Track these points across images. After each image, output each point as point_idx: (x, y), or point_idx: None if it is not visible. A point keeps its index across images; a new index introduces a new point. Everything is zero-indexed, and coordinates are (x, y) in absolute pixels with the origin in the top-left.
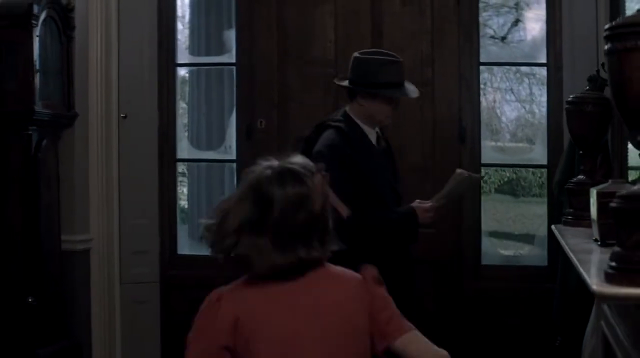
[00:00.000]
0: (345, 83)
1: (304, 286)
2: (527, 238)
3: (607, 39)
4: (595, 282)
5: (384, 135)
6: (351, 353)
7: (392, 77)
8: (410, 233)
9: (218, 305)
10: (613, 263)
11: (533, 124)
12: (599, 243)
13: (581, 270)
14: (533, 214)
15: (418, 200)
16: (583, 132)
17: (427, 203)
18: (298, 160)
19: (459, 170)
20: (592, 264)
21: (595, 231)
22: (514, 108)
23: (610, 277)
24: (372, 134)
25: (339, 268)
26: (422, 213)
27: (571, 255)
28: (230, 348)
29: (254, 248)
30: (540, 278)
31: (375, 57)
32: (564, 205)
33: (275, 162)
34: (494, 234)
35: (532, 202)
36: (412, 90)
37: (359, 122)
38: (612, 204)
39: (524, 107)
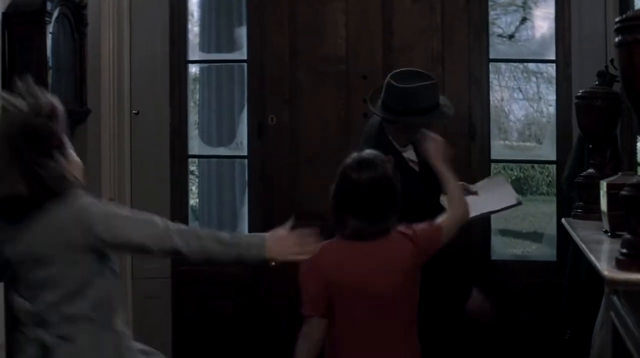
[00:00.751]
0: (379, 107)
1: (379, 246)
2: (535, 237)
3: (618, 31)
4: (606, 268)
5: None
6: (407, 292)
7: (428, 102)
8: None
9: (316, 260)
10: (624, 250)
11: (541, 122)
12: (609, 234)
13: (592, 257)
14: (541, 212)
15: None
16: (592, 126)
17: None
18: (371, 152)
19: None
20: (602, 253)
21: (605, 223)
22: (521, 106)
23: (621, 263)
24: (406, 150)
25: (397, 231)
26: None
27: (582, 245)
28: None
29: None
30: (549, 273)
31: (410, 85)
32: (574, 201)
33: (354, 154)
34: (502, 232)
35: (539, 201)
36: (448, 106)
37: (392, 139)
38: (623, 192)
39: (532, 106)
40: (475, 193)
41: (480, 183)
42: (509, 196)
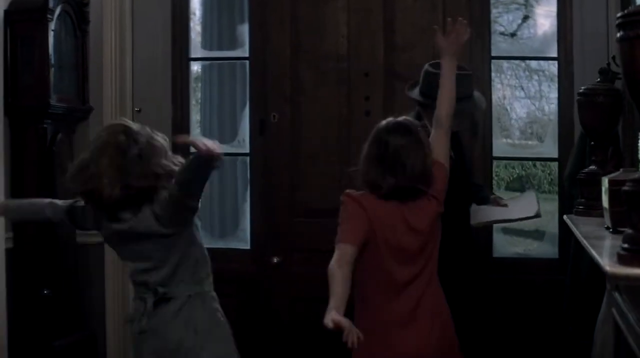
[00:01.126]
0: (416, 94)
1: (411, 207)
2: (536, 235)
3: (619, 26)
4: (607, 263)
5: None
6: (431, 241)
7: (462, 91)
8: None
9: (360, 201)
10: (625, 245)
11: (542, 121)
12: (610, 230)
13: (593, 253)
14: (542, 211)
15: None
16: (594, 123)
17: None
18: (406, 118)
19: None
20: (604, 249)
21: (607, 219)
22: (523, 105)
23: (623, 259)
24: None
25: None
26: None
27: (583, 241)
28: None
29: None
30: (551, 270)
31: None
32: (575, 198)
33: (390, 119)
34: (504, 230)
35: (541, 199)
36: (481, 100)
37: (428, 125)
38: (625, 188)
39: (534, 104)
40: (505, 205)
41: (512, 198)
42: (530, 208)
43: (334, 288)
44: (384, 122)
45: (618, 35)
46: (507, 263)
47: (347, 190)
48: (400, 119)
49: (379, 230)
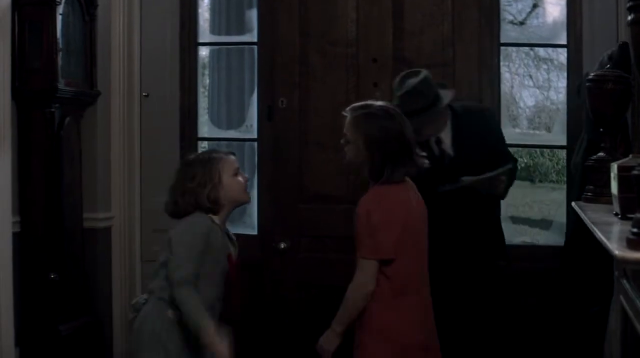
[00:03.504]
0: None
1: (411, 188)
2: (543, 224)
3: (631, 9)
4: (616, 248)
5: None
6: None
7: (418, 105)
8: None
9: (393, 200)
10: (635, 230)
11: (551, 110)
12: (619, 216)
13: (602, 237)
14: (550, 200)
15: None
16: (603, 109)
17: None
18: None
19: None
20: (613, 234)
21: (615, 205)
22: (531, 94)
23: (632, 243)
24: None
25: None
26: None
27: (592, 226)
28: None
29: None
30: (558, 258)
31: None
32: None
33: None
34: (511, 218)
35: (548, 188)
36: (447, 96)
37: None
38: (634, 172)
39: (543, 94)
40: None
41: None
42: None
43: (352, 313)
44: (375, 109)
45: (629, 18)
46: (514, 251)
47: (366, 198)
48: (381, 103)
49: (411, 226)
